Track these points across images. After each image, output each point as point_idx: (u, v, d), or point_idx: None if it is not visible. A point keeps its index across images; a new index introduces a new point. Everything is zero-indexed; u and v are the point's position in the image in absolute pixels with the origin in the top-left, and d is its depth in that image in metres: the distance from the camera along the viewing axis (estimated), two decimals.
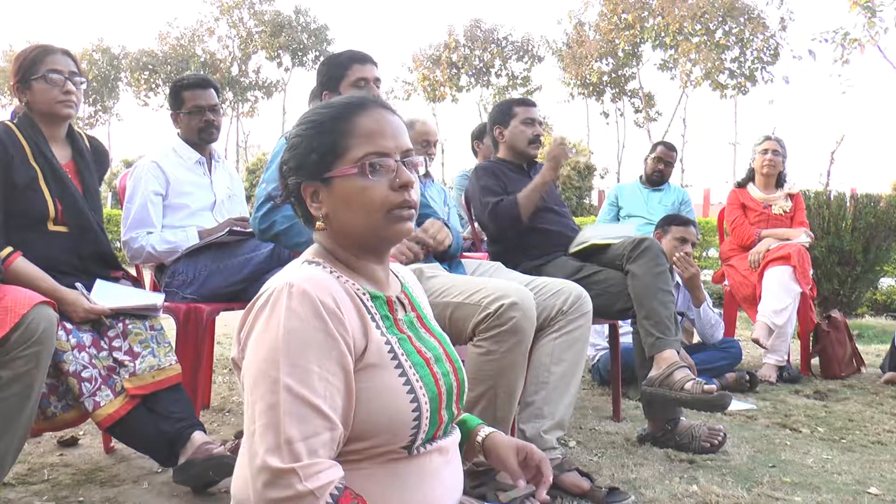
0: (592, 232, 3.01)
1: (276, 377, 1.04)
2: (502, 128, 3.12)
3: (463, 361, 1.34)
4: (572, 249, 2.93)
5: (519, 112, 3.08)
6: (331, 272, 1.18)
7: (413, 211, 1.19)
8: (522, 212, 2.90)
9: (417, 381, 1.17)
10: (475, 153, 4.76)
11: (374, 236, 1.19)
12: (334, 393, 1.07)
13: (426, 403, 1.16)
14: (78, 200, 2.18)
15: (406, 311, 1.27)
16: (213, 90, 2.91)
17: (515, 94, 34.75)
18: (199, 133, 2.87)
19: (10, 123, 2.15)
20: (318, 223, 1.21)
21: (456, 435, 1.30)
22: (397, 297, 1.26)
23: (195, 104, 2.86)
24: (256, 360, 1.08)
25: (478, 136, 4.70)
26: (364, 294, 1.19)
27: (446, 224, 2.41)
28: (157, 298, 2.25)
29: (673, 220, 3.75)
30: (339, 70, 2.40)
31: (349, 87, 2.37)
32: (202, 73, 31.23)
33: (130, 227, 2.72)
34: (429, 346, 1.25)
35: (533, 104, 3.15)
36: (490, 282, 2.08)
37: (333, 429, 1.06)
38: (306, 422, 1.03)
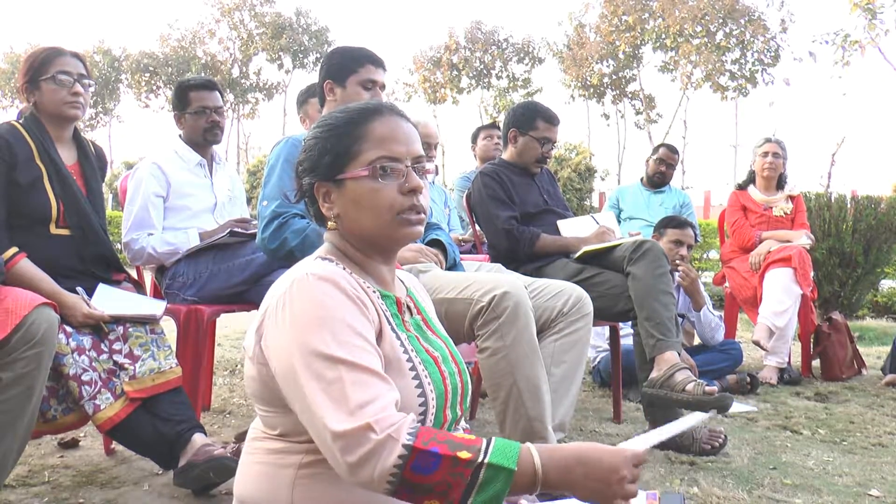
0: (565, 229, 3.06)
1: (328, 353, 1.06)
2: (518, 133, 3.11)
3: (468, 363, 1.35)
4: (573, 257, 2.94)
5: (540, 127, 3.07)
6: (343, 269, 1.20)
7: (422, 216, 1.23)
8: (537, 251, 2.95)
9: (426, 377, 1.19)
10: (475, 155, 4.86)
11: (382, 237, 1.22)
12: (379, 362, 1.11)
13: (433, 400, 1.18)
14: (81, 201, 2.19)
15: (412, 314, 1.31)
16: (217, 92, 2.93)
17: (516, 95, 34.72)
18: (204, 133, 2.87)
19: (16, 123, 2.17)
20: (329, 223, 1.25)
21: None
22: (404, 300, 1.29)
23: (201, 104, 2.86)
24: (298, 343, 1.08)
25: (475, 138, 4.81)
26: (374, 292, 1.22)
27: (439, 228, 2.42)
28: (158, 308, 2.26)
29: (669, 223, 3.76)
30: (352, 63, 2.37)
31: (357, 84, 2.35)
32: (203, 74, 31.27)
33: (131, 228, 2.72)
34: (435, 346, 1.28)
35: (556, 122, 3.12)
36: (480, 275, 2.09)
37: (393, 389, 1.08)
38: (370, 386, 1.05)
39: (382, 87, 2.41)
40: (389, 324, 1.20)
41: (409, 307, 1.30)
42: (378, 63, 2.40)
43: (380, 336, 1.17)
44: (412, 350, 1.20)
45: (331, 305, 1.09)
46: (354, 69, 2.36)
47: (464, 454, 1.01)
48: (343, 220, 1.23)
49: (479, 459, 1.02)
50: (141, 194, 2.74)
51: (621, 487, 1.05)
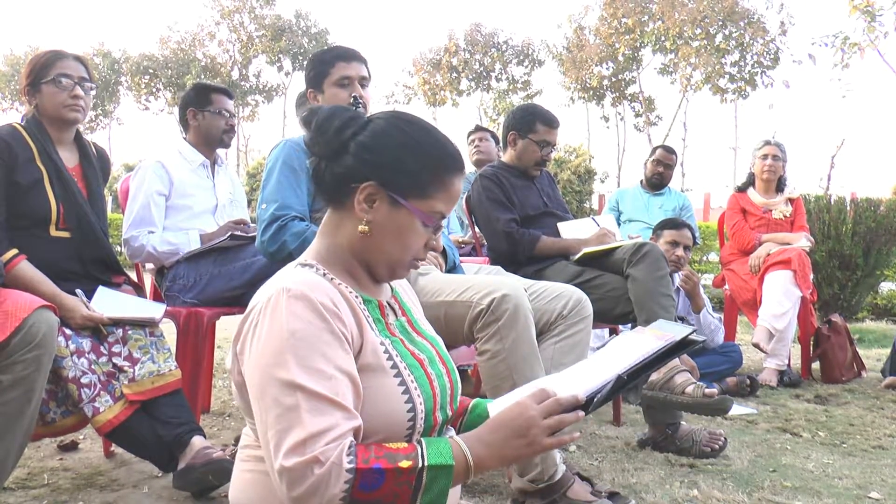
0: (565, 232, 3.06)
1: (289, 379, 1.05)
2: (517, 136, 3.10)
3: (461, 367, 1.35)
4: (573, 259, 2.94)
5: (539, 130, 3.06)
6: (324, 275, 1.19)
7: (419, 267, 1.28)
8: (537, 253, 2.95)
9: (412, 381, 1.18)
10: None
11: (386, 266, 1.23)
12: (345, 388, 1.09)
13: (421, 404, 1.18)
14: (81, 204, 2.19)
15: (397, 316, 1.30)
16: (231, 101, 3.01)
17: (516, 98, 34.74)
18: (223, 135, 2.93)
19: (17, 125, 2.18)
20: (360, 226, 1.19)
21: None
22: (388, 303, 1.29)
23: (225, 107, 2.92)
24: (263, 365, 1.08)
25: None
26: (357, 297, 1.21)
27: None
28: (157, 311, 2.26)
29: (666, 225, 3.78)
30: (323, 67, 2.36)
31: (332, 85, 2.34)
32: (202, 77, 31.27)
33: (132, 225, 2.73)
34: (421, 348, 1.27)
35: (555, 125, 3.11)
36: (479, 278, 2.08)
37: (352, 419, 1.08)
38: (326, 415, 1.05)
39: (363, 80, 2.37)
40: (372, 329, 1.19)
41: (392, 309, 1.29)
42: (349, 57, 2.36)
43: (362, 344, 1.15)
44: (396, 355, 1.19)
45: (297, 328, 1.08)
46: (326, 71, 2.35)
47: (405, 463, 1.05)
48: (371, 232, 1.20)
49: (420, 465, 1.06)
50: (143, 192, 2.75)
51: (540, 437, 1.10)
